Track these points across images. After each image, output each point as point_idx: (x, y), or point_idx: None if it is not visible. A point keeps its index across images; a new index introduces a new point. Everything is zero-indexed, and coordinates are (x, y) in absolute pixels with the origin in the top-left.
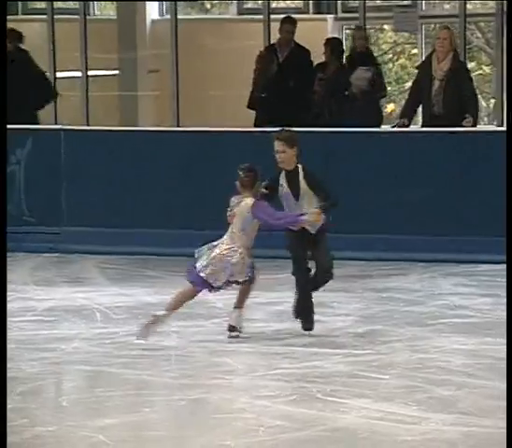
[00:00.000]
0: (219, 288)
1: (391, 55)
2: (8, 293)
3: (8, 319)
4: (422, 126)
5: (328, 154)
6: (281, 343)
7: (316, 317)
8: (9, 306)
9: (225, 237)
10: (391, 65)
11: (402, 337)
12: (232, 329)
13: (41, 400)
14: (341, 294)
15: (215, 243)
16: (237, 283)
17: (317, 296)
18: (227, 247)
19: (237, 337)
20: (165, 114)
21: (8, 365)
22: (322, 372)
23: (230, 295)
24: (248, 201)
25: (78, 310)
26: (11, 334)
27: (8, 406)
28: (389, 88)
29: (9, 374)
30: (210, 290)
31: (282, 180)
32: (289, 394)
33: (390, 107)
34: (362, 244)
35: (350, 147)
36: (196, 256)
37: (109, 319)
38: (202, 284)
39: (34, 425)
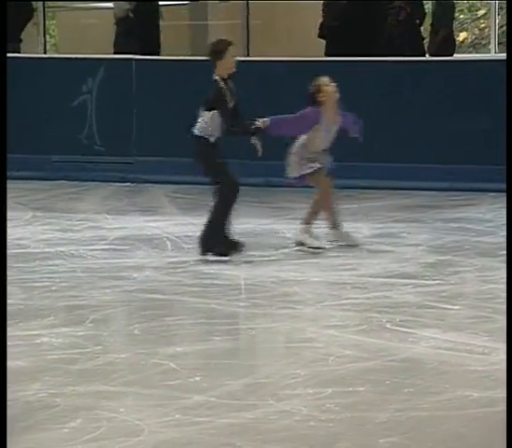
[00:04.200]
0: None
1: None
2: (80, 222)
3: (80, 248)
4: None
5: (396, 82)
6: (350, 274)
7: (386, 248)
8: (81, 235)
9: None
10: None
11: (472, 267)
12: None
13: (113, 328)
14: (411, 224)
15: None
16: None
17: (387, 226)
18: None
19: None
20: (235, 44)
21: (80, 293)
22: (391, 302)
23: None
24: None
25: (149, 239)
26: (83, 262)
27: (81, 333)
28: (461, 16)
29: (81, 302)
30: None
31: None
32: (358, 324)
33: (462, 36)
34: (432, 174)
35: (420, 75)
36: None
37: (180, 248)
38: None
39: (106, 352)
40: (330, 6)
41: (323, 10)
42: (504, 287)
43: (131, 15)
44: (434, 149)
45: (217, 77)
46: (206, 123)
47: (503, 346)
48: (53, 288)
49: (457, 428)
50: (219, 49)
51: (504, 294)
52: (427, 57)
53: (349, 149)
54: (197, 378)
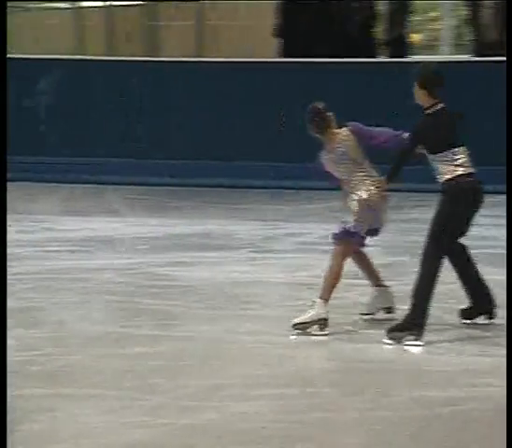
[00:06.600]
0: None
1: None
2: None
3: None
4: None
5: None
6: (306, 274)
7: None
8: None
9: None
10: None
11: None
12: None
13: (71, 330)
14: None
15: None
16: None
17: None
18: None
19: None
20: None
21: (39, 295)
22: (345, 303)
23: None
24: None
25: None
26: (45, 264)
27: (38, 335)
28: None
29: (39, 304)
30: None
31: None
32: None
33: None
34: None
35: None
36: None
37: (135, 250)
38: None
39: (64, 354)
40: None
41: None
42: (454, 286)
43: None
44: None
45: None
46: None
47: (455, 347)
48: (13, 289)
49: None
50: None
51: (455, 294)
52: None
53: None
54: (157, 380)
